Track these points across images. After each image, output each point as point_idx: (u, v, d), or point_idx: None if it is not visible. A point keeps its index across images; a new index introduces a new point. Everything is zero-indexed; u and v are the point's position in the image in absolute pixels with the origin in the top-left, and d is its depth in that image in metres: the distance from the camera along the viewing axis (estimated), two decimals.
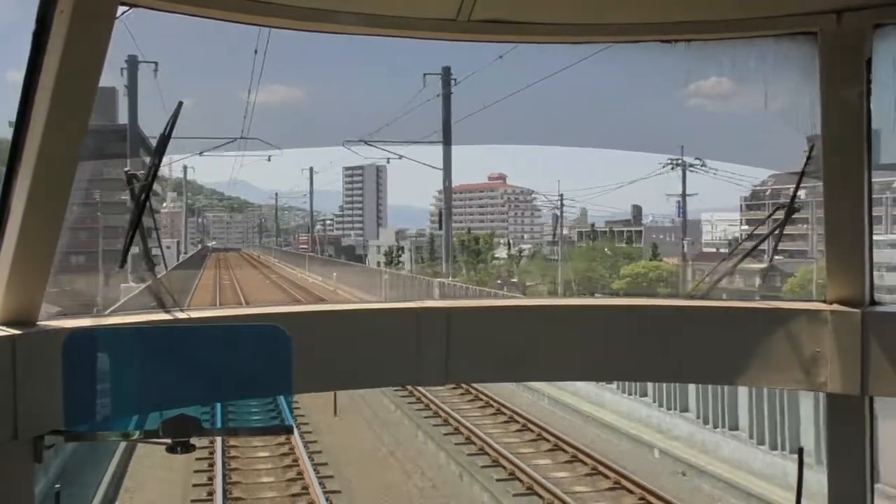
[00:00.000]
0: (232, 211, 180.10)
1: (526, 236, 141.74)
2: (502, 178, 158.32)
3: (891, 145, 3.85)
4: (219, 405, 4.15)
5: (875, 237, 3.91)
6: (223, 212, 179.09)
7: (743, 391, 18.49)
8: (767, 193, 71.21)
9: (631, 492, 17.71)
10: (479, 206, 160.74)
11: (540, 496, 17.58)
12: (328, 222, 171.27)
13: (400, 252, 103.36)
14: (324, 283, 63.79)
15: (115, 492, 18.21)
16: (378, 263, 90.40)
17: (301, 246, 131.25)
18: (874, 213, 3.93)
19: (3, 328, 3.11)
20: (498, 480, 18.72)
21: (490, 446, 20.91)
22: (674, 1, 3.69)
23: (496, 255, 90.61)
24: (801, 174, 3.92)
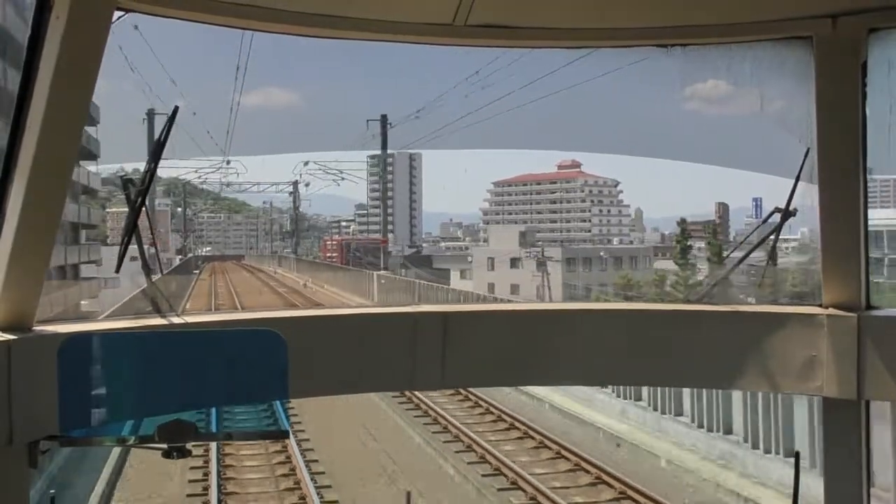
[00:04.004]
0: (230, 212, 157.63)
1: (616, 240, 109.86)
2: (576, 165, 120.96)
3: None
4: (214, 410, 4.13)
5: None
6: (219, 213, 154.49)
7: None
8: None
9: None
10: (550, 202, 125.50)
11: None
12: (343, 224, 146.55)
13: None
14: None
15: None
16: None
17: (328, 254, 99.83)
18: None
19: None
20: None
21: None
22: (670, 6, 3.69)
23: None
24: (797, 178, 3.92)
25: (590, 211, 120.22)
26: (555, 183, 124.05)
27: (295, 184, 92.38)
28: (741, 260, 4.37)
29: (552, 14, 3.69)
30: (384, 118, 57.73)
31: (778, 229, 4.16)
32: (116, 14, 2.97)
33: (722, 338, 4.07)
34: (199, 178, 69.61)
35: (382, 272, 52.65)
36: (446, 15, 3.54)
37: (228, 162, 64.97)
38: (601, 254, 76.17)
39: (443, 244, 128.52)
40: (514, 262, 67.15)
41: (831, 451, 3.94)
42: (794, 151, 3.86)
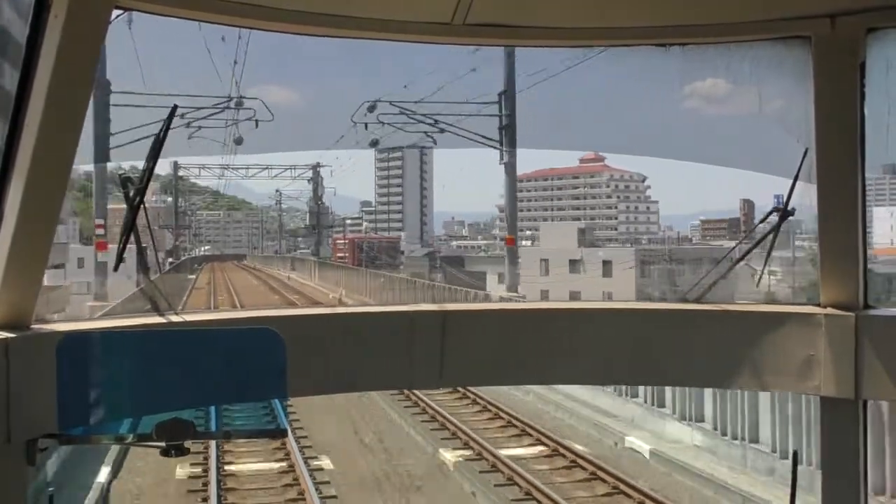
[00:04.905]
0: (230, 210, 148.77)
1: (644, 239, 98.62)
2: (599, 159, 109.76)
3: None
4: (213, 408, 4.14)
5: None
6: (219, 210, 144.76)
7: None
8: None
9: None
10: (573, 197, 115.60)
11: None
12: (349, 222, 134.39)
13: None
14: None
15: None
16: None
17: (338, 255, 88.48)
18: None
19: None
20: None
21: None
22: (669, 5, 3.70)
23: None
24: (796, 178, 3.93)
25: (616, 207, 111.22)
26: (577, 178, 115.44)
27: (315, 168, 73.30)
28: (739, 260, 4.37)
29: (551, 13, 3.69)
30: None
31: (776, 229, 4.17)
32: (115, 12, 2.98)
33: (720, 337, 4.07)
34: (196, 125, 37.77)
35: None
36: (445, 14, 3.54)
37: (241, 102, 37.37)
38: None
39: (454, 243, 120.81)
40: (574, 265, 53.92)
41: (829, 451, 3.94)
42: (792, 151, 3.87)
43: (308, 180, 77.20)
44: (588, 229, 71.64)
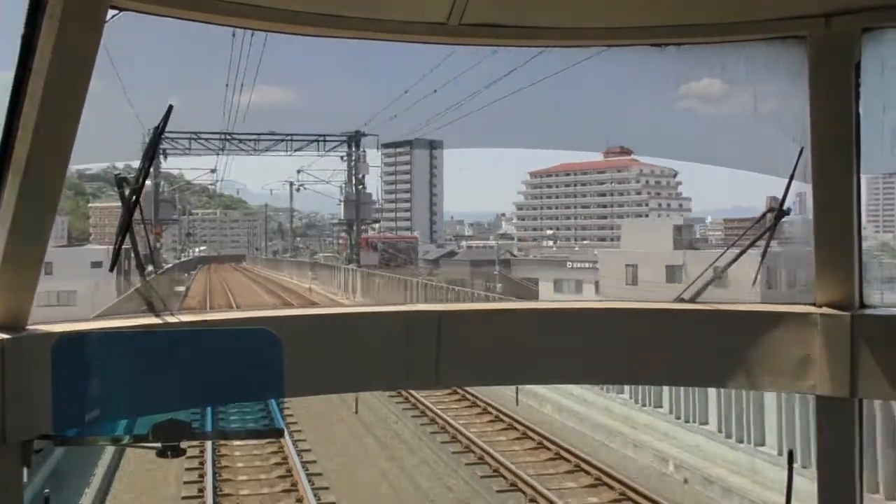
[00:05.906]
0: (226, 208, 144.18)
1: None
2: (626, 153, 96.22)
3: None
4: (209, 409, 4.13)
5: None
6: (214, 209, 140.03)
7: None
8: None
9: None
10: (598, 194, 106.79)
11: None
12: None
13: None
14: None
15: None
16: None
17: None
18: None
19: None
20: None
21: None
22: (665, 5, 3.70)
23: None
24: (791, 177, 3.93)
25: (647, 205, 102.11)
26: (603, 173, 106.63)
27: (353, 138, 52.16)
28: (736, 258, 4.37)
29: (546, 13, 3.70)
30: None
31: (772, 228, 4.18)
32: (111, 13, 2.97)
33: (716, 336, 4.08)
34: None
35: None
36: (440, 14, 3.54)
37: None
38: None
39: (464, 243, 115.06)
40: (673, 272, 42.09)
41: (824, 450, 3.95)
42: (788, 150, 3.88)
43: (342, 157, 55.66)
44: (686, 227, 55.83)
